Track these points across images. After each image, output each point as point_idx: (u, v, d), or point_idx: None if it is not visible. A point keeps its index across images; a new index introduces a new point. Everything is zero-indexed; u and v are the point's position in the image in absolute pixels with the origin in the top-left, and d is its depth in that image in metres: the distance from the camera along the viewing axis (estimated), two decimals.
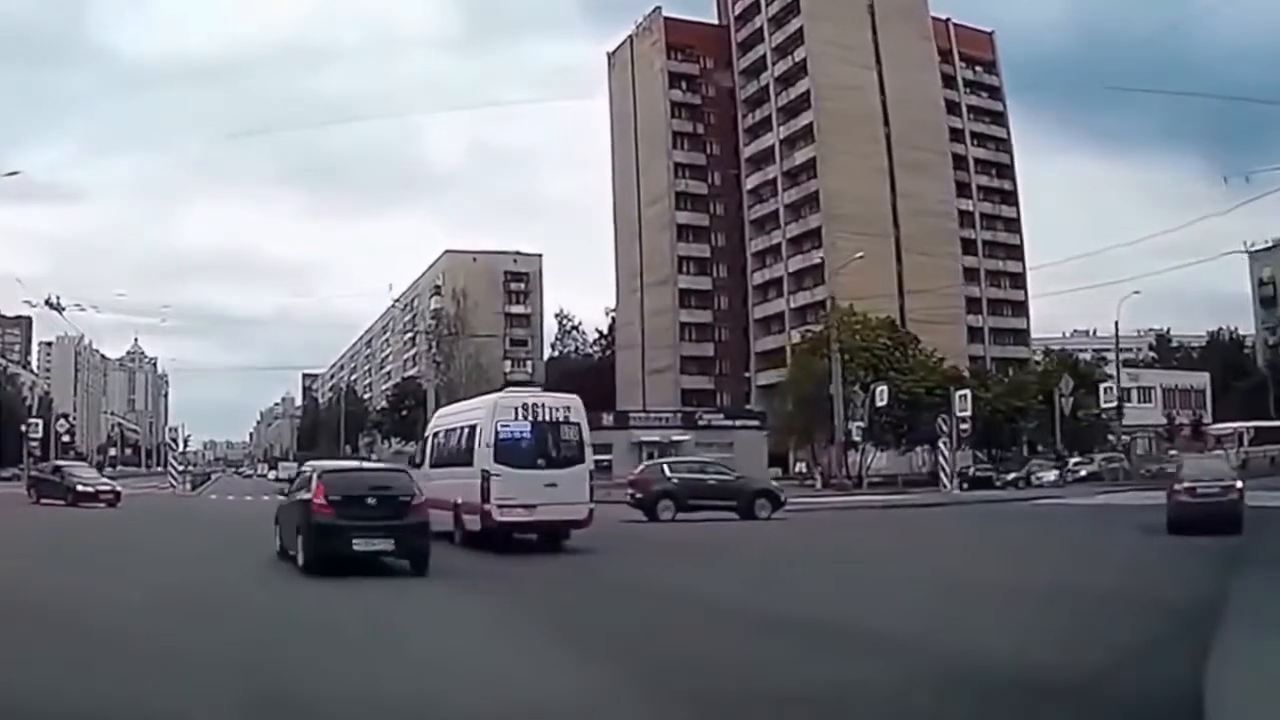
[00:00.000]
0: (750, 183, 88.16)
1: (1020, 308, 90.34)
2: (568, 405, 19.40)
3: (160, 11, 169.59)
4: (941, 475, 39.61)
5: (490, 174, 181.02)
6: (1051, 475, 51.51)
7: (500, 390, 25.85)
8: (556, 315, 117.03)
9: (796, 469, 56.03)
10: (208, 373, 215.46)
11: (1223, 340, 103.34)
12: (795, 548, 22.20)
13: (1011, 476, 52.32)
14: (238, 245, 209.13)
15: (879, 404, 52.69)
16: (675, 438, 63.46)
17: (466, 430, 19.95)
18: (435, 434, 22.34)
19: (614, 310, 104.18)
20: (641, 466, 31.16)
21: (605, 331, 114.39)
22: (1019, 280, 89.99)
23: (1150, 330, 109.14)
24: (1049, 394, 58.84)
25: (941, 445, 38.81)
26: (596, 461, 49.41)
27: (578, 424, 19.21)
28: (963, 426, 41.01)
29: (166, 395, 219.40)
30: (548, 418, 18.97)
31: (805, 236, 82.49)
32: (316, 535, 14.58)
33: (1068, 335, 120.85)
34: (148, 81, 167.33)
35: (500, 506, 18.21)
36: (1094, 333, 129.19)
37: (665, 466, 29.63)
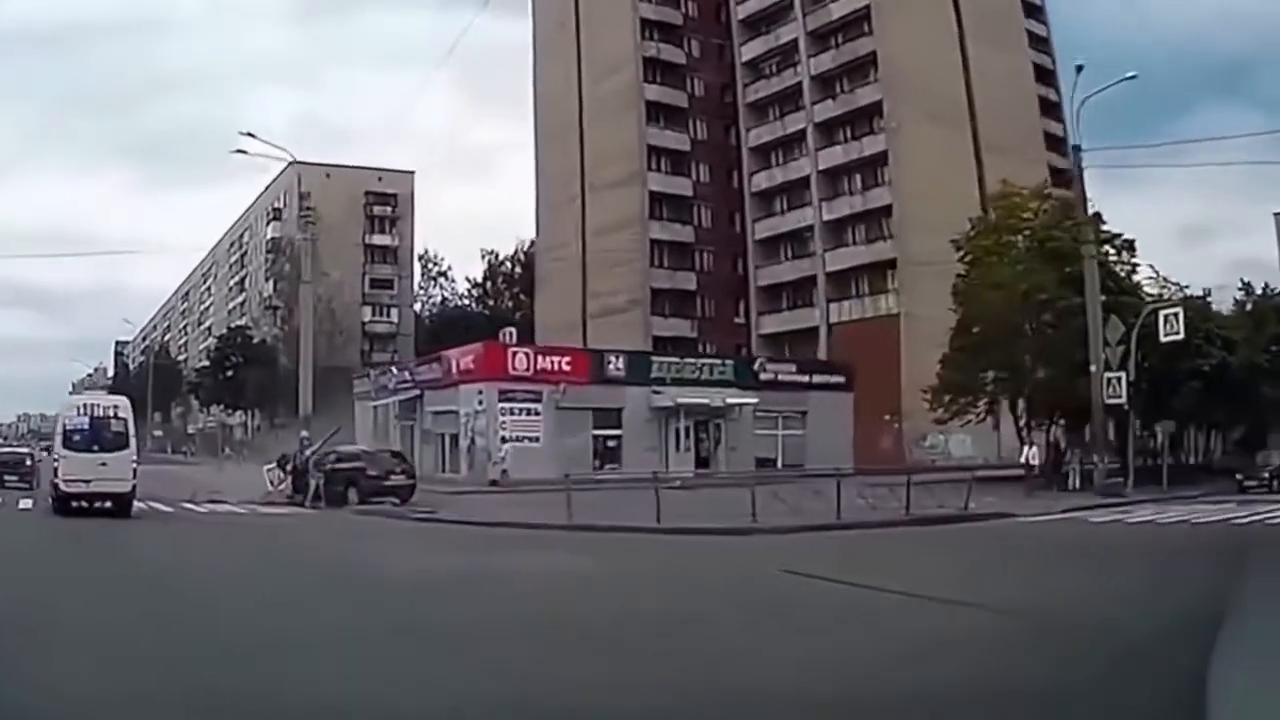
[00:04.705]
0: (747, 52, 63.23)
1: None
2: (116, 405, 25.05)
3: None
4: None
5: (333, 149, 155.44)
6: None
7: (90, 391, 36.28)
8: (421, 258, 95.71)
9: (1024, 458, 31.95)
10: (26, 346, 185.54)
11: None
12: None
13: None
14: (62, 217, 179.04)
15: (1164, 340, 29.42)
16: (731, 400, 38.35)
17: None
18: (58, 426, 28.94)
19: (491, 252, 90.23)
20: None
21: (480, 280, 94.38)
22: None
23: None
24: None
25: None
26: (601, 438, 38.90)
27: (125, 419, 24.26)
28: None
29: None
30: (101, 414, 24.15)
31: (843, 120, 58.18)
32: None
33: None
34: None
35: (66, 481, 23.33)
36: None
37: None
